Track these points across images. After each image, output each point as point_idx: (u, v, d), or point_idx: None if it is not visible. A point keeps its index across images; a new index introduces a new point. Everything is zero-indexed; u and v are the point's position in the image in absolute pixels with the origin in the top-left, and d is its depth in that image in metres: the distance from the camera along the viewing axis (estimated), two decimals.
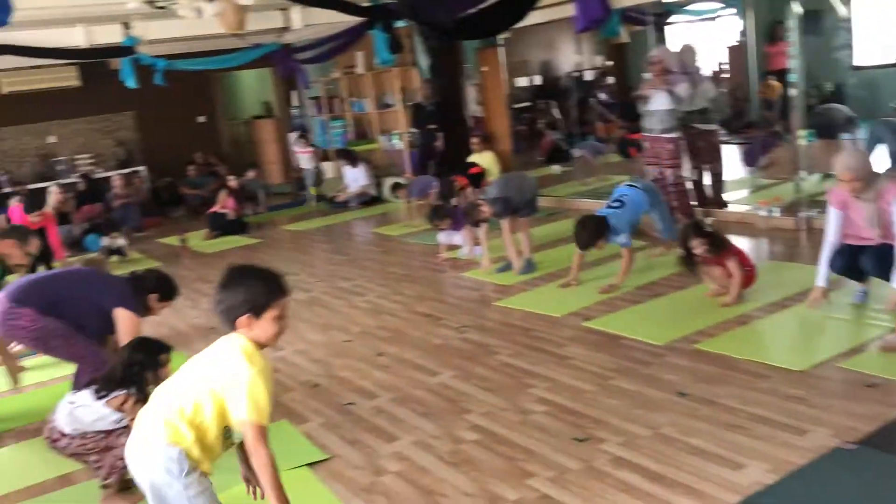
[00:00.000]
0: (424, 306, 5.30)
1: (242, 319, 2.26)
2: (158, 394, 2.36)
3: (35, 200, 7.15)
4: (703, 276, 4.70)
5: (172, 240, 8.75)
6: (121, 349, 3.39)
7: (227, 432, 2.26)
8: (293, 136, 10.99)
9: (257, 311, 2.26)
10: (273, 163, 12.33)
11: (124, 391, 3.11)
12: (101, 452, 3.10)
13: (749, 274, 4.56)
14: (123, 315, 3.81)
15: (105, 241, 8.00)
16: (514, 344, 4.37)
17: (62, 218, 8.16)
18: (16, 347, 4.46)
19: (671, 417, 3.27)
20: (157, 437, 2.22)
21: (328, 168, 10.86)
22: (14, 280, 4.48)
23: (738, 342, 3.99)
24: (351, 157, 9.94)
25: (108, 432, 3.10)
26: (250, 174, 10.42)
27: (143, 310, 3.93)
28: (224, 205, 9.05)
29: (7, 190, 9.51)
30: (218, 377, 2.23)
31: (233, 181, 9.59)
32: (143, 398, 2.93)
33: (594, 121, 10.90)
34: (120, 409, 3.11)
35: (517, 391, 3.74)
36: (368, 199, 9.79)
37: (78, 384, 3.67)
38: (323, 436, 3.54)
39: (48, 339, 3.80)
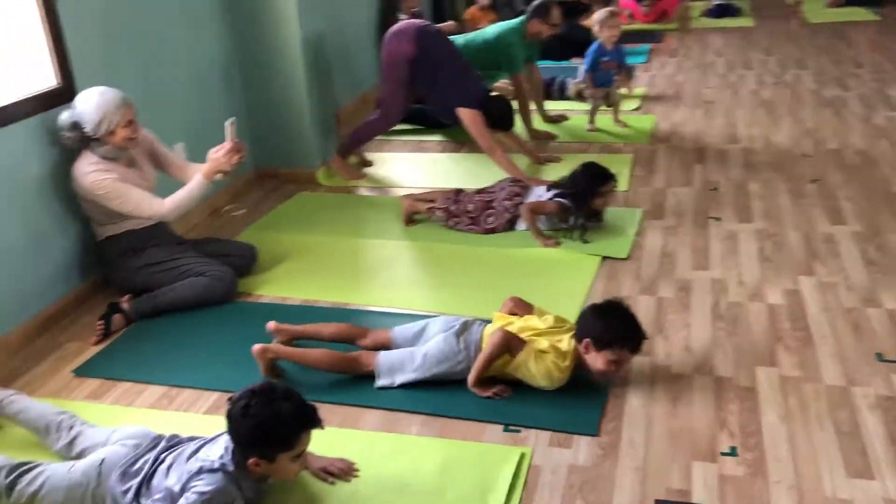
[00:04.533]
0: None
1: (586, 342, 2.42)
2: None
3: None
4: None
5: None
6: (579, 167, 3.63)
7: None
8: None
9: (599, 345, 2.39)
10: None
11: (566, 198, 3.53)
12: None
13: None
14: (465, 114, 4.19)
15: None
16: None
17: None
18: None
19: None
20: None
21: None
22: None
23: None
24: None
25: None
26: None
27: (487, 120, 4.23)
28: None
29: None
30: None
31: None
32: (581, 215, 3.50)
33: None
34: (541, 209, 3.57)
35: None
36: None
37: (357, 132, 4.53)
38: None
39: (391, 69, 4.28)
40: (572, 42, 6.56)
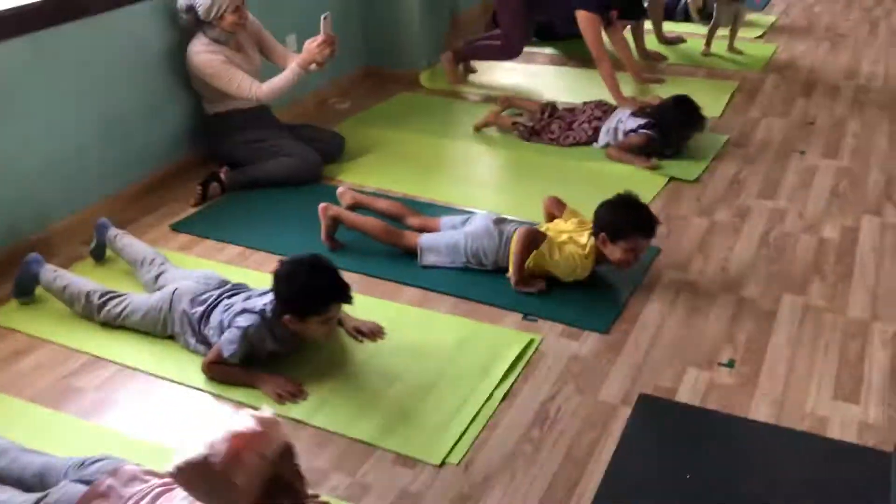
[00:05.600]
0: None
1: (602, 236, 2.58)
2: None
3: None
4: None
5: None
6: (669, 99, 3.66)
7: None
8: None
9: (613, 236, 2.56)
10: None
11: (649, 127, 3.55)
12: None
13: None
14: (583, 17, 4.18)
15: None
16: None
17: None
18: None
19: None
20: None
21: None
22: None
23: None
24: None
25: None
26: None
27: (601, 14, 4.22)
28: None
29: None
30: None
31: None
32: (663, 143, 3.52)
33: None
34: (631, 143, 3.57)
35: None
36: None
37: (477, 49, 4.66)
38: None
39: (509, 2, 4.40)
40: None
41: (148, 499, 1.65)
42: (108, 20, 3.24)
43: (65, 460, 1.88)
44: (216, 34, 3.40)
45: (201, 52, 3.39)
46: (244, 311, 2.34)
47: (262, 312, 2.32)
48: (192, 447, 1.47)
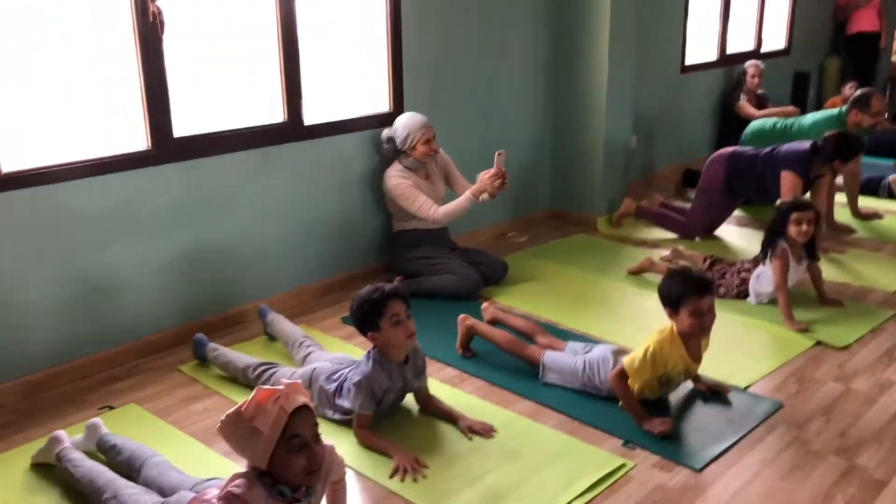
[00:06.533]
0: None
1: (668, 311, 2.78)
2: None
3: None
4: None
5: None
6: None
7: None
8: None
9: (674, 305, 2.74)
10: None
11: (769, 251, 3.67)
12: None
13: None
14: (786, 176, 4.40)
15: None
16: None
17: None
18: None
19: None
20: None
21: None
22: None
23: None
24: None
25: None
26: None
27: (810, 174, 4.42)
28: None
29: None
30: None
31: None
32: (774, 248, 3.62)
33: None
34: (776, 274, 3.61)
35: None
36: None
37: (658, 214, 4.89)
38: None
39: (706, 191, 4.75)
40: None
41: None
42: (326, 143, 3.92)
43: (196, 480, 2.30)
44: (409, 162, 3.98)
45: (394, 176, 3.96)
46: (356, 365, 2.77)
47: (363, 362, 2.72)
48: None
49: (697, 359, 2.86)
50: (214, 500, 1.87)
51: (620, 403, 2.84)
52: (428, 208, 3.93)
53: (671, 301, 2.75)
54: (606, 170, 5.03)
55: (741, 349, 3.37)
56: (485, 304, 3.54)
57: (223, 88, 3.61)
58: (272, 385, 2.91)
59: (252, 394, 1.86)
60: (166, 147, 3.33)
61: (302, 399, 1.86)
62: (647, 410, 2.80)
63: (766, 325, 3.59)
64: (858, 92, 4.98)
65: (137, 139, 3.30)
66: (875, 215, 5.16)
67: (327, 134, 3.93)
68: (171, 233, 3.42)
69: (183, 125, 3.39)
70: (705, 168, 4.83)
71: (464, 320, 3.29)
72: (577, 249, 4.70)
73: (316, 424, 1.91)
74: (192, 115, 3.44)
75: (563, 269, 4.35)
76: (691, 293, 2.71)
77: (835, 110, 5.11)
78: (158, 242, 3.38)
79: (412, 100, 4.22)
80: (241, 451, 1.88)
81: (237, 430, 1.84)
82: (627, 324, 3.68)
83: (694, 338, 2.79)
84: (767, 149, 4.58)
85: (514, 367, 3.17)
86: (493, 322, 3.41)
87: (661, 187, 5.85)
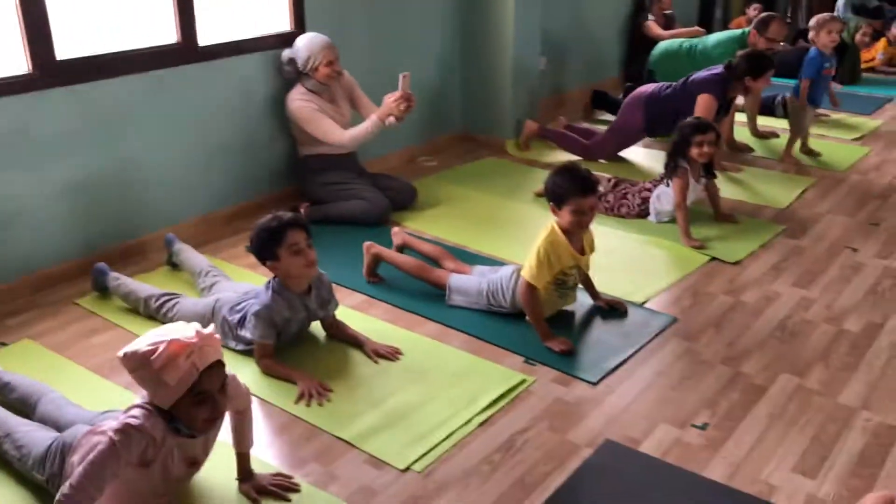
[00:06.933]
0: None
1: (551, 206, 2.82)
2: None
3: None
4: None
5: None
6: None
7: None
8: None
9: (558, 201, 2.78)
10: None
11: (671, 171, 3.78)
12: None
13: None
14: (702, 99, 4.35)
15: None
16: None
17: None
18: None
19: None
20: None
21: None
22: None
23: None
24: None
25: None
26: None
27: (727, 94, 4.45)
28: None
29: None
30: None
31: None
32: (678, 168, 3.69)
33: None
34: (677, 195, 3.71)
35: None
36: None
37: (561, 135, 4.95)
38: None
39: (621, 130, 4.78)
40: None
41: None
42: (224, 65, 3.78)
43: (94, 413, 2.26)
44: (312, 85, 3.88)
45: (297, 99, 3.86)
46: (256, 294, 2.75)
47: (262, 291, 2.71)
48: (143, 342, 1.83)
49: (583, 251, 2.93)
50: (110, 432, 1.85)
51: (527, 317, 2.91)
52: (333, 132, 3.86)
53: (556, 197, 2.79)
54: (515, 92, 5.03)
55: (640, 267, 3.50)
56: (395, 229, 3.54)
57: (108, 8, 3.42)
58: (173, 316, 2.89)
59: (163, 340, 1.81)
60: (49, 70, 3.15)
61: (215, 355, 1.84)
62: (551, 329, 2.88)
63: (665, 243, 3.71)
64: (763, 15, 5.07)
65: (18, 62, 3.11)
66: (772, 134, 5.33)
67: (224, 55, 3.78)
68: (64, 161, 3.27)
69: (67, 47, 3.21)
70: (622, 110, 4.82)
71: (369, 248, 3.29)
72: (486, 173, 4.72)
73: (225, 376, 1.90)
74: (77, 36, 3.26)
75: (472, 192, 4.37)
76: (577, 192, 2.75)
77: (738, 31, 5.21)
78: (51, 171, 3.23)
79: (314, 19, 4.10)
80: (143, 387, 1.86)
81: (141, 372, 1.82)
82: (532, 245, 3.75)
83: (574, 234, 2.85)
84: (680, 81, 4.58)
85: (421, 291, 3.20)
86: (403, 247, 3.42)
87: (572, 109, 5.89)
